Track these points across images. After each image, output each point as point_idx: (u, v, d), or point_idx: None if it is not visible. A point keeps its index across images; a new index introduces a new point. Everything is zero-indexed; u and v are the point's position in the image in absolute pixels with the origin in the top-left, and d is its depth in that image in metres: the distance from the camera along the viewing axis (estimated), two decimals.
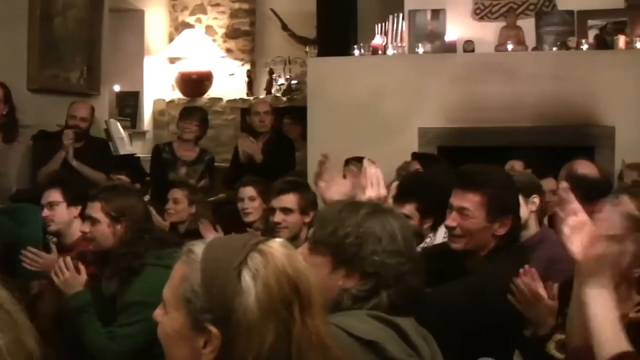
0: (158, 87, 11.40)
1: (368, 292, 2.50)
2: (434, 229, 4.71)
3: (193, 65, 11.25)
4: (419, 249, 4.37)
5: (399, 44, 8.53)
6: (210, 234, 5.38)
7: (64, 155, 7.45)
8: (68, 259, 4.19)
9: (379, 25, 8.64)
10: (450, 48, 8.50)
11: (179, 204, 6.56)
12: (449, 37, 8.54)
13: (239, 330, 1.81)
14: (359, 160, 6.65)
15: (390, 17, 8.60)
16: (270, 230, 5.26)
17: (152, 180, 8.16)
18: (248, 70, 11.39)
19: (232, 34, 11.52)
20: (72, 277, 4.14)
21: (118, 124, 9.54)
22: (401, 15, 8.60)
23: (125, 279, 4.10)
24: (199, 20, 11.59)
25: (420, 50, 8.41)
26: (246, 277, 1.83)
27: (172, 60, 11.44)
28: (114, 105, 10.62)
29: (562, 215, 2.45)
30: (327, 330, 1.93)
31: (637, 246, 3.30)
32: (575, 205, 2.42)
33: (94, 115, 8.04)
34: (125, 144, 9.38)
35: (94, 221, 4.27)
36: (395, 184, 5.06)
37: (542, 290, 3.47)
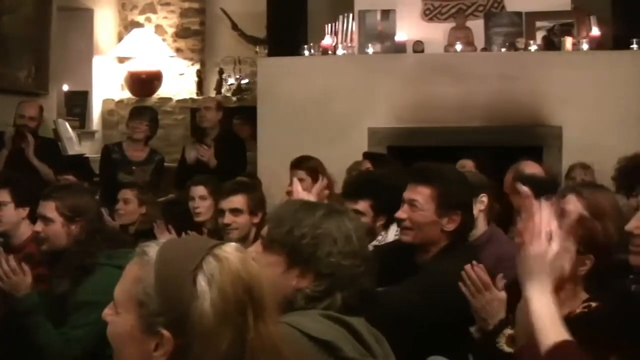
0: (107, 87, 11.32)
1: (322, 292, 2.50)
2: (386, 227, 4.75)
3: (142, 64, 11.19)
4: (370, 246, 4.42)
5: (349, 44, 8.54)
6: (164, 236, 5.36)
7: (6, 154, 7.40)
8: (12, 261, 4.12)
9: (329, 25, 8.65)
10: (400, 48, 8.53)
11: (129, 205, 6.51)
12: (398, 37, 8.56)
13: (193, 335, 1.80)
14: (306, 159, 6.68)
15: (340, 17, 8.61)
16: (219, 232, 5.27)
17: (101, 181, 8.11)
18: (198, 70, 11.35)
19: (182, 33, 11.48)
20: (19, 279, 4.08)
21: (67, 123, 9.44)
22: (351, 15, 8.61)
23: (77, 278, 4.06)
24: (148, 20, 11.53)
25: (370, 50, 8.44)
26: (202, 282, 1.82)
27: (122, 60, 11.37)
28: (63, 104, 10.52)
29: (522, 218, 2.48)
30: (279, 335, 1.93)
31: (577, 246, 3.36)
32: (535, 205, 2.46)
33: (43, 115, 7.98)
34: (74, 144, 9.29)
35: (47, 221, 4.22)
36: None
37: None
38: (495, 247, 4.41)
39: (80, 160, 8.89)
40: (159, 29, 11.47)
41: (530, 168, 5.27)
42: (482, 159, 6.52)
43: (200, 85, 11.27)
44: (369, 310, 2.59)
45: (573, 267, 3.12)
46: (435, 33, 8.61)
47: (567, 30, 8.36)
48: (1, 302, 4.23)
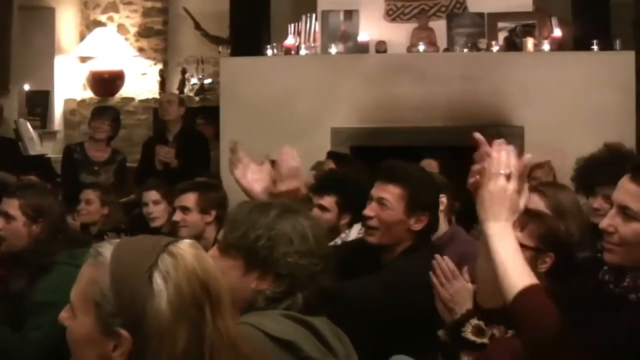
0: (69, 86, 11.23)
1: (282, 293, 2.50)
2: (350, 225, 4.77)
3: (105, 64, 11.11)
4: (333, 243, 4.43)
5: (312, 44, 8.55)
6: None
7: None
8: None
9: (292, 25, 8.65)
10: (363, 49, 8.54)
11: (92, 205, 6.48)
12: (361, 37, 8.58)
13: (150, 334, 1.79)
14: None
15: (303, 17, 8.61)
16: (176, 235, 5.26)
17: (63, 181, 8.06)
18: (160, 70, 11.30)
19: (144, 32, 11.42)
20: None
21: (28, 123, 9.38)
22: (314, 15, 8.61)
23: (34, 277, 4.03)
24: (110, 19, 11.45)
25: (333, 50, 8.44)
26: (157, 279, 1.81)
27: (84, 59, 11.28)
28: (24, 104, 10.42)
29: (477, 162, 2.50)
30: (237, 330, 1.93)
31: (537, 244, 3.39)
32: (489, 148, 2.48)
33: (3, 115, 7.92)
34: (35, 144, 9.23)
35: (9, 218, 4.17)
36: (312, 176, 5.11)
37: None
38: (457, 246, 4.43)
39: (42, 161, 8.83)
40: (121, 28, 11.40)
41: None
42: (445, 158, 6.56)
43: (162, 85, 11.21)
44: (332, 305, 2.60)
45: (533, 264, 3.15)
46: (398, 33, 8.63)
47: (528, 31, 8.42)
48: None
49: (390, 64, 8.28)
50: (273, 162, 3.69)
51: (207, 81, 11.08)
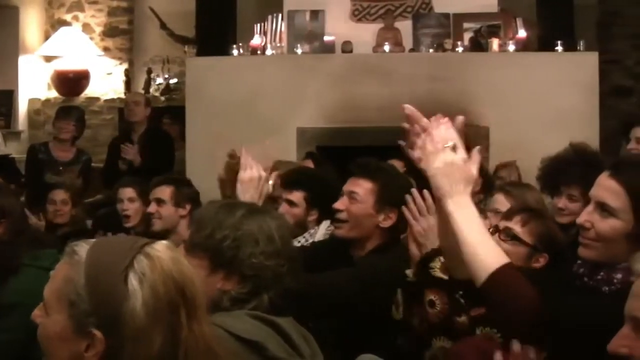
0: (33, 86, 11.15)
1: (247, 294, 2.51)
2: (318, 222, 4.80)
3: (70, 63, 11.04)
4: (301, 238, 4.45)
5: (278, 44, 8.54)
6: None
7: None
8: None
9: (258, 25, 8.64)
10: (329, 49, 8.55)
11: (67, 205, 6.46)
12: (327, 37, 8.58)
13: (125, 335, 1.79)
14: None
15: (270, 17, 8.60)
16: (149, 236, 5.24)
17: (27, 182, 8.01)
18: (126, 70, 11.24)
19: (109, 32, 11.35)
20: None
21: None
22: (280, 15, 8.61)
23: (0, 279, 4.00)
24: (75, 18, 11.38)
25: (299, 50, 8.44)
26: (133, 281, 1.81)
27: (48, 59, 11.20)
28: None
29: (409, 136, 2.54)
30: (212, 335, 1.93)
31: (534, 243, 3.41)
32: (425, 122, 2.49)
33: None
34: None
35: None
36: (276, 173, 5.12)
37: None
38: None
39: (6, 161, 8.77)
40: (86, 27, 11.33)
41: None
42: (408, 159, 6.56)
43: (128, 85, 11.16)
44: (297, 306, 2.60)
45: (526, 261, 3.18)
46: (364, 34, 8.64)
47: (493, 31, 8.46)
48: None
49: (356, 64, 8.29)
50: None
51: (173, 81, 11.06)
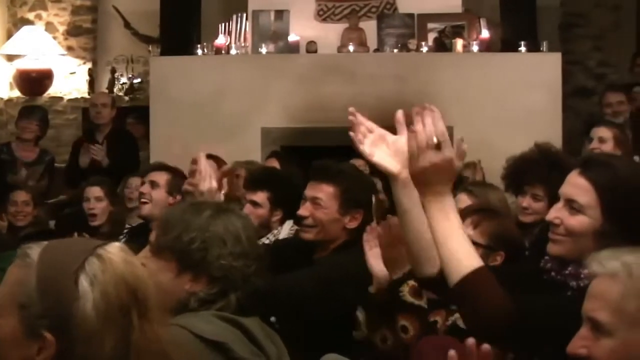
0: None
1: (216, 295, 2.50)
2: (282, 222, 4.80)
3: (32, 63, 10.94)
4: (265, 240, 4.45)
5: (242, 44, 8.52)
6: None
7: None
8: None
9: (223, 25, 8.62)
10: (293, 49, 8.55)
11: (28, 206, 6.42)
12: (292, 37, 8.59)
13: (76, 337, 1.77)
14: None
15: (234, 16, 8.59)
16: (116, 236, 5.22)
17: None
18: (89, 69, 11.17)
19: (73, 31, 11.26)
20: None
21: None
22: (245, 15, 8.60)
23: None
24: (38, 17, 11.27)
25: (264, 50, 8.43)
26: (84, 282, 1.79)
27: (11, 58, 11.10)
28: None
29: (355, 138, 2.54)
30: (166, 337, 1.91)
31: (488, 242, 3.43)
32: (368, 123, 2.51)
33: None
34: None
35: None
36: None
37: None
38: None
39: None
40: (49, 26, 11.23)
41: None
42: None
43: (91, 85, 11.09)
44: (265, 300, 2.61)
45: (483, 261, 3.20)
46: (328, 34, 8.66)
47: (458, 32, 8.50)
48: None
49: (320, 64, 8.30)
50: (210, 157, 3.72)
51: (137, 81, 11.01)
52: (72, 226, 5.88)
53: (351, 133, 2.54)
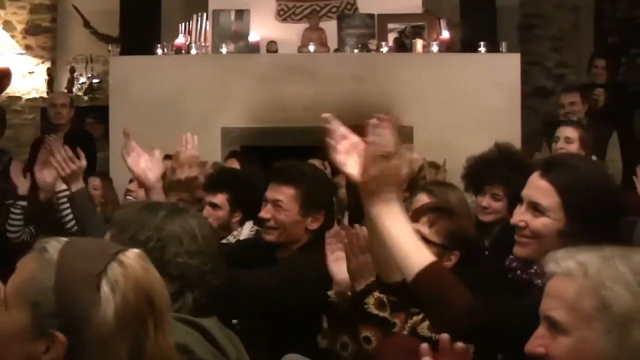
0: None
1: (173, 294, 2.48)
2: (242, 223, 4.80)
3: None
4: (225, 241, 4.45)
5: (203, 44, 8.51)
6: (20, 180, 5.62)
7: None
8: None
9: (183, 24, 8.60)
10: (254, 48, 8.54)
11: None
12: (252, 37, 8.58)
13: (90, 341, 1.75)
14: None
15: (195, 16, 8.57)
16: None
17: None
18: (48, 68, 11.09)
19: (32, 30, 11.17)
20: None
21: None
22: (205, 15, 8.58)
23: None
24: None
25: (224, 50, 8.41)
26: (105, 288, 1.78)
27: None
28: None
29: (331, 143, 2.55)
30: (174, 347, 1.91)
31: (443, 241, 3.45)
32: (343, 129, 2.54)
33: None
34: None
35: None
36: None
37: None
38: None
39: None
40: (7, 25, 11.13)
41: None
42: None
43: (50, 84, 11.02)
44: (225, 300, 2.60)
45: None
46: (289, 34, 8.66)
47: (418, 32, 8.54)
48: None
49: (281, 64, 8.30)
50: (168, 157, 3.73)
51: (96, 80, 10.95)
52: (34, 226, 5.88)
53: (329, 140, 2.53)
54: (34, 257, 1.85)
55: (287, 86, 8.14)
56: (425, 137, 7.84)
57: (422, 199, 4.41)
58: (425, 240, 3.32)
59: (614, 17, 11.09)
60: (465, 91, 8.05)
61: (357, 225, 3.42)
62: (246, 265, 3.69)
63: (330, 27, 8.65)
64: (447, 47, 8.37)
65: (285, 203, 3.84)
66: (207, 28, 8.57)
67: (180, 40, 8.49)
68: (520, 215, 2.67)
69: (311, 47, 8.40)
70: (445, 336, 2.10)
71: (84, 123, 9.03)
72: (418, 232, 3.22)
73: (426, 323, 3.20)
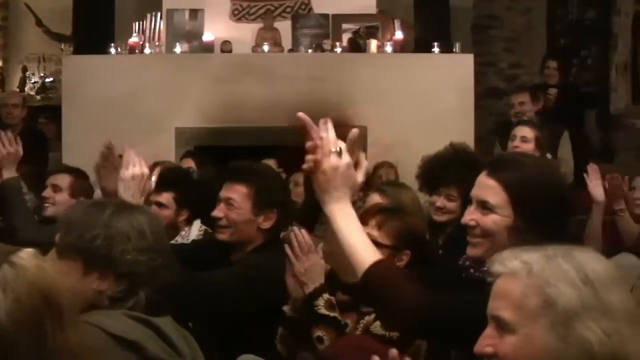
0: None
1: (124, 292, 2.48)
2: (189, 222, 4.81)
3: None
4: (174, 242, 4.45)
5: (157, 43, 8.46)
6: None
7: None
8: None
9: (137, 23, 8.55)
10: (208, 48, 8.51)
11: None
12: (206, 37, 8.55)
13: None
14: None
15: (148, 15, 8.52)
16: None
17: None
18: (0, 67, 11.02)
19: None
20: None
21: None
22: (159, 14, 8.54)
23: None
24: None
25: (178, 49, 8.37)
26: None
27: None
28: None
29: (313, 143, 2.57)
30: (80, 342, 1.89)
31: (393, 242, 3.48)
32: (314, 129, 2.56)
33: None
34: None
35: None
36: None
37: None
38: None
39: None
40: None
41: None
42: (286, 157, 6.63)
43: (2, 83, 10.94)
44: (180, 300, 2.60)
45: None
46: (243, 33, 8.64)
47: (372, 33, 8.55)
48: None
49: (235, 63, 8.28)
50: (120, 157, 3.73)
51: (49, 80, 10.87)
52: None
53: (308, 143, 2.55)
54: None
55: (242, 86, 8.12)
56: (380, 137, 7.86)
57: (375, 199, 4.43)
58: (375, 243, 3.35)
59: (566, 19, 11.22)
60: (420, 91, 8.09)
61: (295, 228, 3.46)
62: (201, 266, 3.69)
63: (284, 27, 8.64)
64: (401, 48, 8.39)
65: (238, 201, 3.85)
66: (161, 27, 8.52)
67: (134, 39, 8.44)
68: (470, 215, 2.70)
69: (265, 47, 8.39)
70: (394, 351, 2.12)
71: (36, 123, 8.96)
72: (368, 235, 3.25)
73: (379, 322, 3.22)
